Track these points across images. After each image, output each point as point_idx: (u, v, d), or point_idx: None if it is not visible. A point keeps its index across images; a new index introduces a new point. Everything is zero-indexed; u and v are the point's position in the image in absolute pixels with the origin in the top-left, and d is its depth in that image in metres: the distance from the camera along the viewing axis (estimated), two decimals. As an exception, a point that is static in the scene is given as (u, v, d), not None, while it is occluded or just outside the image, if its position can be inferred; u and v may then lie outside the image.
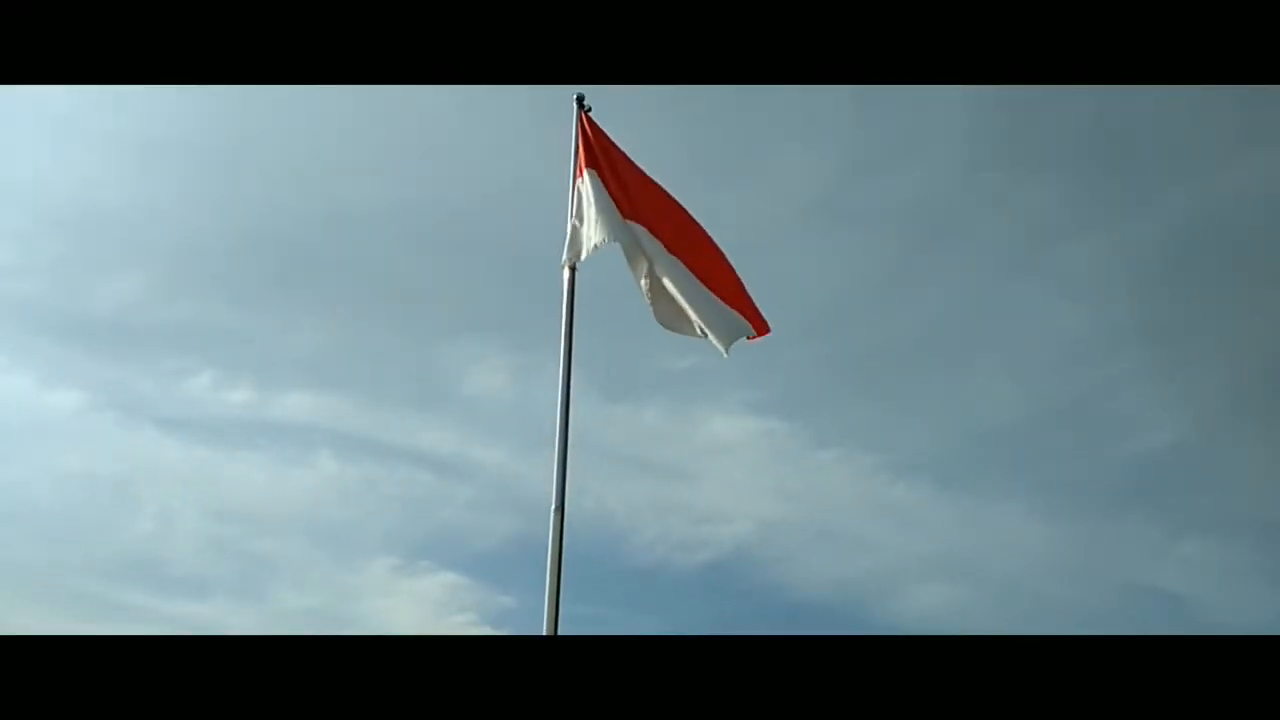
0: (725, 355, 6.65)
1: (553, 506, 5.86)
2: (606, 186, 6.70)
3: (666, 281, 6.68)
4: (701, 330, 6.72)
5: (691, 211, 7.01)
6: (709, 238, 6.99)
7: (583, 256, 6.59)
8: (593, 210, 6.61)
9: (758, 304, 6.86)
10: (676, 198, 7.01)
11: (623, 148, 6.97)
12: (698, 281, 6.70)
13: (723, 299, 6.76)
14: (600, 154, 6.84)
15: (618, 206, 6.67)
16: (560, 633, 5.55)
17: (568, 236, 6.64)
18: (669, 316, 6.80)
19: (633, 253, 6.73)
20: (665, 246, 6.73)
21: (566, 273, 6.56)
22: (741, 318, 6.76)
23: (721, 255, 6.95)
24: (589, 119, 6.95)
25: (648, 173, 7.01)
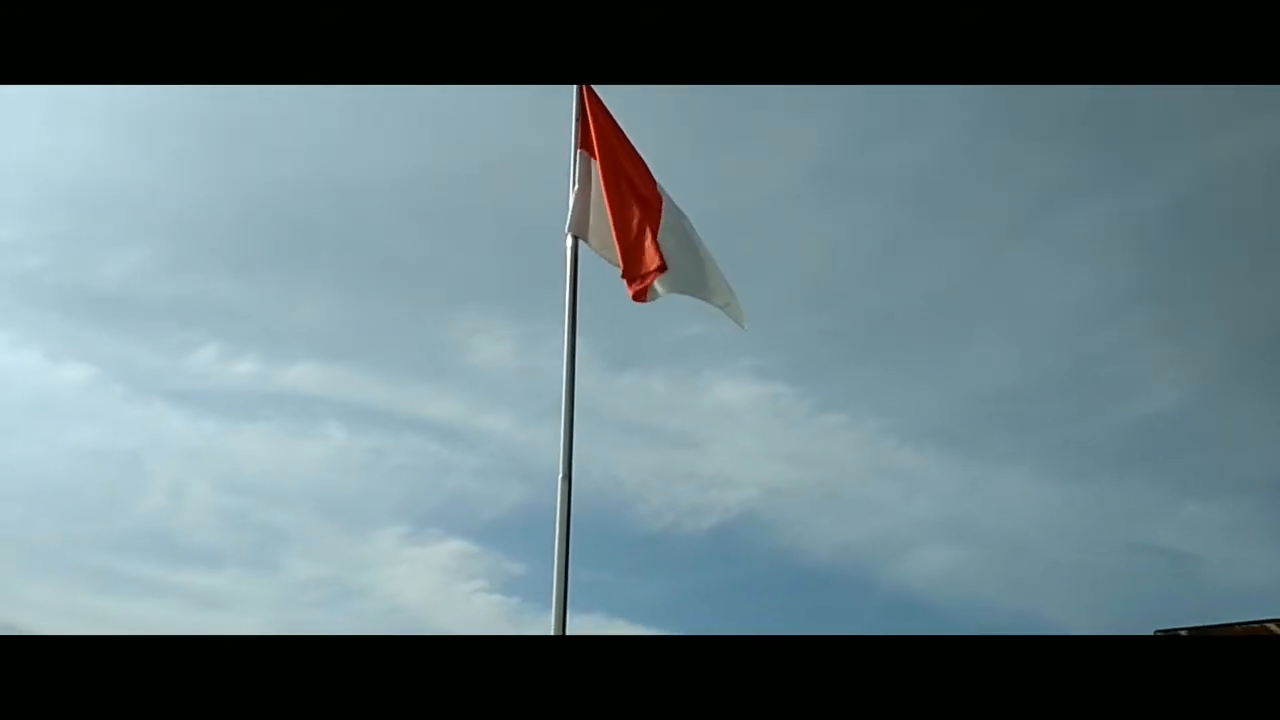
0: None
1: (560, 475, 5.89)
2: (605, 180, 6.68)
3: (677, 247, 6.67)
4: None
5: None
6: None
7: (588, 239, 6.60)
8: (595, 209, 6.63)
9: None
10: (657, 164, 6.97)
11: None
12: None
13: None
14: (600, 136, 6.80)
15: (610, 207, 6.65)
16: (570, 599, 5.62)
17: (571, 206, 6.63)
18: (682, 282, 6.78)
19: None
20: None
21: (569, 241, 6.56)
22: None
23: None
24: (589, 88, 6.92)
25: (642, 141, 6.98)
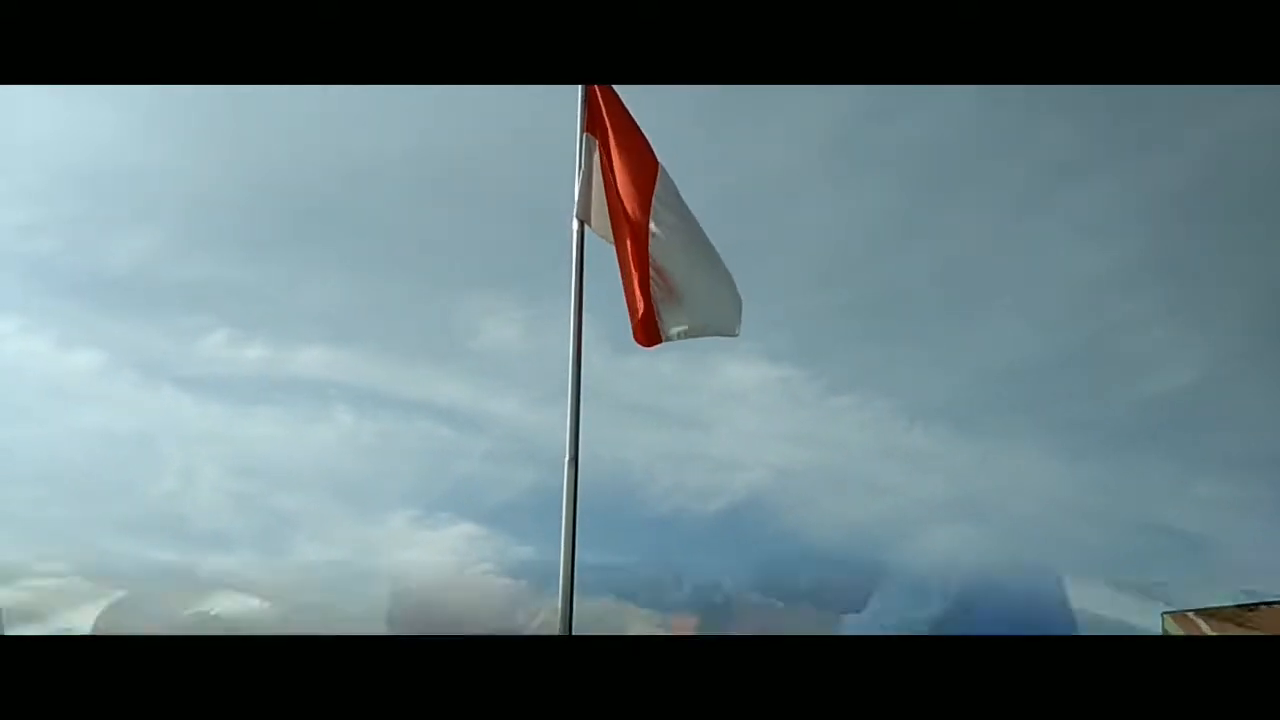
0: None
1: (566, 459, 5.90)
2: (607, 174, 6.63)
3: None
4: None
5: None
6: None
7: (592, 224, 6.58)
8: (597, 194, 6.59)
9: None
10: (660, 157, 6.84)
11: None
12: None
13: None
14: (606, 122, 6.74)
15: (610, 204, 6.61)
16: (577, 582, 5.63)
17: (577, 189, 6.60)
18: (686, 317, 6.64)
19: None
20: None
21: (575, 224, 6.54)
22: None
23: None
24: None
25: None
